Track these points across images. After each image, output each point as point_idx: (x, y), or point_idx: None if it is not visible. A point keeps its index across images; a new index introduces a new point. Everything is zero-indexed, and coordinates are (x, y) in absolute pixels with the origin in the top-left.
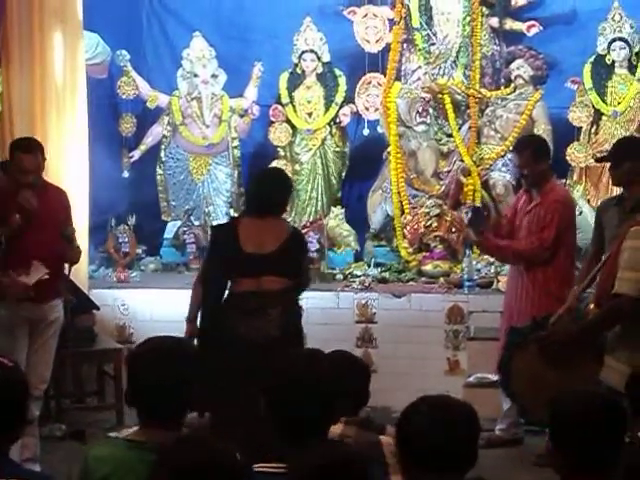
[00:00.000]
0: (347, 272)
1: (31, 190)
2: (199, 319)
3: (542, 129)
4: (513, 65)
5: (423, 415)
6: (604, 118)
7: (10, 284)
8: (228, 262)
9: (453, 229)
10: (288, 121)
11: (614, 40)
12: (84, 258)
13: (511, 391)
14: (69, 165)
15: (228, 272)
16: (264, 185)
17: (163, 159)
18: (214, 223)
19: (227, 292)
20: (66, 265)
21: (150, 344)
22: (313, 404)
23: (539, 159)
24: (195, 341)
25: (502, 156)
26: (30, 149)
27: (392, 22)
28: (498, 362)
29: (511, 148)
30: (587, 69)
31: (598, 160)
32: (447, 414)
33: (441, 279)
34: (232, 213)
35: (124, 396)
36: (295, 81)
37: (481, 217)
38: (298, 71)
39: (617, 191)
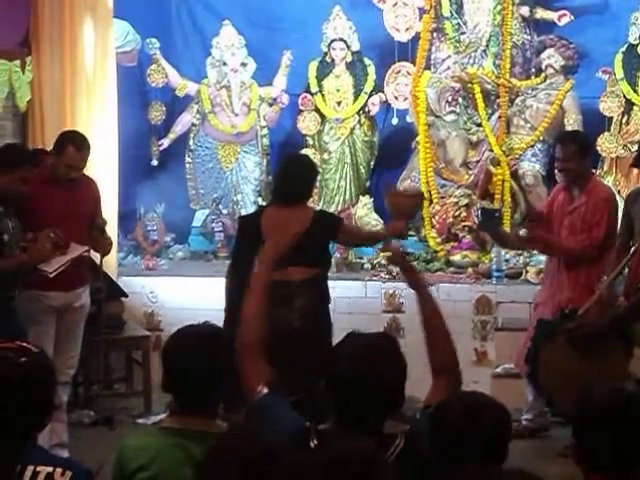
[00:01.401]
0: (375, 261)
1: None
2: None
3: (572, 119)
4: (544, 55)
5: (457, 410)
6: (635, 108)
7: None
8: (252, 253)
9: None
10: (317, 110)
11: None
12: (114, 246)
13: (539, 384)
14: (98, 153)
15: (252, 263)
16: (288, 173)
17: (192, 147)
18: (242, 213)
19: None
20: (97, 254)
21: (187, 331)
22: (378, 395)
23: (584, 154)
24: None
25: (532, 146)
26: (84, 148)
27: (422, 11)
28: (526, 355)
29: (541, 138)
30: (618, 59)
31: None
32: (480, 410)
33: (469, 269)
34: (260, 202)
35: (162, 382)
36: (324, 70)
37: (493, 217)
38: (327, 60)
39: None
